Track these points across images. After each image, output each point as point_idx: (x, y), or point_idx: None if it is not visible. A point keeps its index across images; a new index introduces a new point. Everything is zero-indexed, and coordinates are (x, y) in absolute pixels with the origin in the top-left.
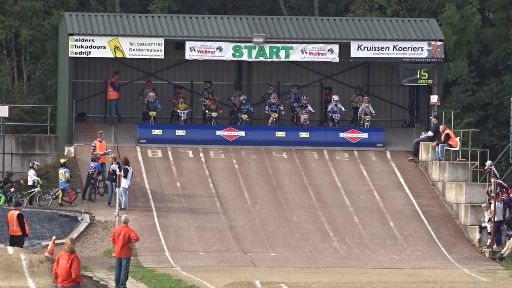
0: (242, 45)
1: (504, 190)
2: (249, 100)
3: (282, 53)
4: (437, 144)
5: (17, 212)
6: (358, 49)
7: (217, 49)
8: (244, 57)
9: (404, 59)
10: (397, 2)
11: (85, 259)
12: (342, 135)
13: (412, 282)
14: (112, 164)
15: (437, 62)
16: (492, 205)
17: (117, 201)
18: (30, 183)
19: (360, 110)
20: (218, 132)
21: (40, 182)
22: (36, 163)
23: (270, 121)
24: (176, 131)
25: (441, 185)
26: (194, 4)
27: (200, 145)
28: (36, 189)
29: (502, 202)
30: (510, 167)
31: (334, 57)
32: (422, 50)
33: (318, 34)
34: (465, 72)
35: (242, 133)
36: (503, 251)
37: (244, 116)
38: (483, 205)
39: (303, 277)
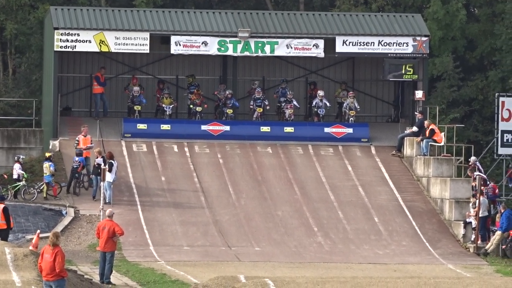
0: (228, 39)
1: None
2: (234, 95)
3: (267, 48)
4: (422, 140)
5: (2, 205)
6: (343, 44)
7: (202, 43)
8: (230, 52)
9: (389, 55)
10: None
11: (70, 253)
12: (327, 130)
13: (396, 277)
14: (97, 158)
15: (422, 58)
16: (477, 201)
17: (102, 195)
18: (15, 176)
19: (345, 105)
20: (203, 127)
21: (25, 175)
22: (22, 156)
23: (255, 116)
24: (161, 125)
25: (426, 180)
26: None
27: (185, 140)
28: (21, 183)
29: (486, 197)
30: (495, 163)
31: (319, 52)
32: (407, 45)
33: (304, 29)
34: (450, 67)
35: (227, 128)
36: (487, 246)
37: (229, 111)
38: (467, 213)
39: (288, 271)
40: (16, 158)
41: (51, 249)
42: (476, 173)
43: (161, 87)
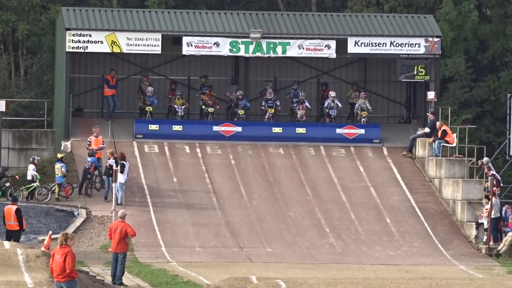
0: (239, 40)
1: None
2: (246, 96)
3: (279, 49)
4: (434, 141)
5: (15, 207)
6: (355, 45)
7: (214, 44)
8: (241, 53)
9: (401, 55)
10: None
11: (81, 254)
12: (338, 131)
13: (408, 279)
14: (109, 159)
15: (434, 59)
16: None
17: (114, 196)
18: (29, 177)
19: (356, 106)
20: (215, 128)
21: (39, 177)
22: (36, 158)
23: (266, 116)
24: (173, 126)
25: (438, 181)
26: None
27: (196, 141)
28: (35, 184)
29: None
30: (507, 164)
31: (331, 53)
32: (419, 46)
33: (315, 29)
34: (462, 68)
35: (239, 129)
36: (499, 247)
37: (241, 112)
38: (478, 213)
39: (300, 273)
40: (30, 159)
41: (61, 250)
42: (492, 171)
43: (173, 87)
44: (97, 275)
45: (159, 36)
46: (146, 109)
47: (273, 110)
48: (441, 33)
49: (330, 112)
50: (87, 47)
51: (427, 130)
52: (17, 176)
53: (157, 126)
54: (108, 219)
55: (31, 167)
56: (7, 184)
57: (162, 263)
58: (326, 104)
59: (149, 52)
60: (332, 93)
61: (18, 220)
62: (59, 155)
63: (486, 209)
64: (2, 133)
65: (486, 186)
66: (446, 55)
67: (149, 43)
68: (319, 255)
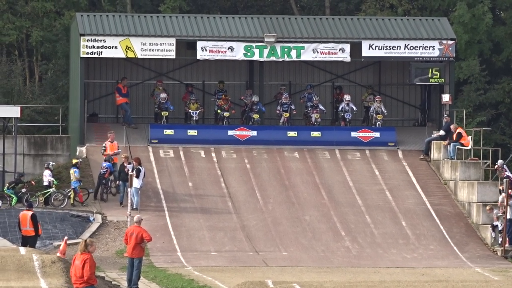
0: (254, 44)
1: None
2: (261, 100)
3: (293, 53)
4: (449, 143)
5: (30, 212)
6: (369, 48)
7: (228, 49)
8: (256, 57)
9: (415, 58)
10: (408, 1)
11: (97, 259)
12: (353, 134)
13: (424, 281)
14: (123, 163)
15: (449, 61)
16: (503, 204)
17: (129, 201)
18: (45, 183)
19: (371, 109)
20: (230, 132)
21: (55, 182)
22: (52, 163)
23: (281, 120)
24: (188, 131)
25: (453, 184)
26: (206, 4)
27: (212, 145)
28: (51, 190)
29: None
30: None
31: (345, 57)
32: (434, 49)
33: (329, 33)
34: (477, 71)
35: (254, 133)
36: None
37: (256, 116)
38: (487, 207)
39: (316, 276)
40: (46, 164)
41: (81, 256)
42: (507, 173)
43: (190, 90)
44: (113, 280)
45: (173, 41)
46: (162, 114)
47: (288, 114)
48: (455, 36)
49: (345, 116)
50: (101, 52)
51: (442, 133)
52: (33, 182)
53: (172, 131)
54: (124, 224)
55: (47, 172)
56: (23, 190)
57: (178, 268)
58: (340, 107)
59: (163, 57)
60: (347, 97)
61: (34, 226)
62: (74, 161)
63: (495, 215)
64: (18, 139)
65: (502, 188)
66: (460, 57)
67: (164, 48)
68: (335, 259)
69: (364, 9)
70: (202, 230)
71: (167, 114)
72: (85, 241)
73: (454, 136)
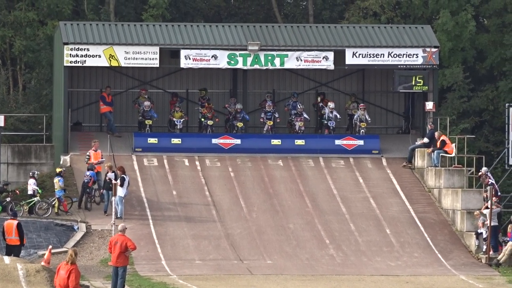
0: (237, 53)
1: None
2: (245, 108)
3: (277, 61)
4: (433, 151)
5: (16, 221)
6: (353, 56)
7: (212, 57)
8: (239, 65)
9: (399, 66)
10: (391, 9)
11: (82, 268)
12: (337, 142)
13: None
14: (107, 172)
15: (432, 69)
16: (487, 211)
17: (113, 210)
18: (30, 192)
19: (355, 117)
20: (214, 140)
21: (39, 191)
22: (36, 172)
23: (265, 129)
24: (172, 139)
25: (437, 191)
26: (189, 12)
27: (195, 153)
28: (35, 199)
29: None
30: (506, 173)
31: (329, 64)
32: (417, 56)
33: (313, 41)
34: (460, 78)
35: (238, 141)
36: (499, 257)
37: (240, 124)
38: (475, 213)
39: (300, 284)
40: (31, 173)
41: (66, 266)
42: (491, 180)
43: (175, 99)
44: None
45: (157, 49)
46: (146, 122)
47: (271, 122)
48: (439, 44)
49: (328, 124)
50: (85, 61)
51: (426, 140)
52: (17, 191)
53: (156, 139)
54: (108, 233)
55: (31, 181)
56: (8, 199)
57: (162, 276)
58: (325, 115)
59: (147, 66)
60: (331, 104)
61: (20, 235)
62: (58, 170)
63: (481, 221)
64: (1, 148)
65: (486, 196)
66: (444, 65)
67: (147, 57)
68: (319, 267)
69: (347, 17)
70: (186, 239)
71: (150, 123)
72: (75, 251)
73: (438, 143)
